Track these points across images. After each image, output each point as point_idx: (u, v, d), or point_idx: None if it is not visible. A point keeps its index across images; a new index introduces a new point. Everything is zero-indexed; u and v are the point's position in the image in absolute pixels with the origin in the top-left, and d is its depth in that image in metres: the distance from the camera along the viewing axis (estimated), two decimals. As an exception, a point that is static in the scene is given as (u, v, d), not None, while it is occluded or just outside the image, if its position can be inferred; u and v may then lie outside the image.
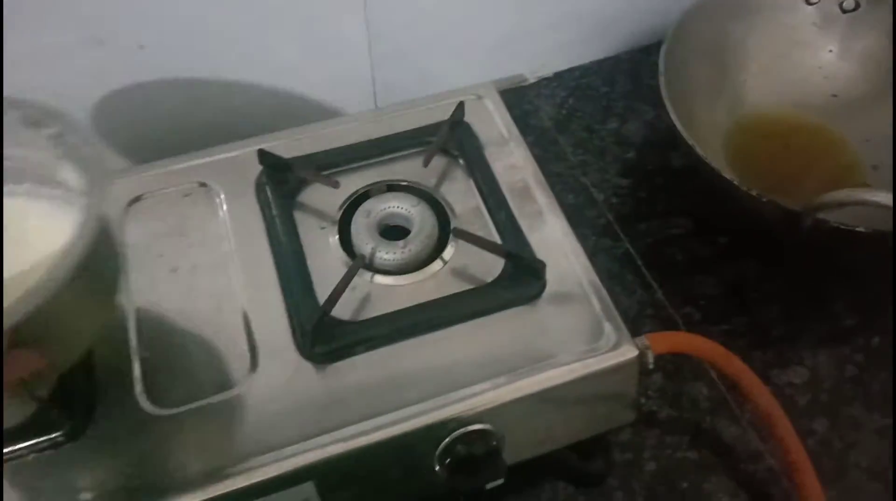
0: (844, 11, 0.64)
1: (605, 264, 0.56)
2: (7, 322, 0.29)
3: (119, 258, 0.41)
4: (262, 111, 0.58)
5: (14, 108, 0.38)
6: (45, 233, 0.39)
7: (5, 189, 0.39)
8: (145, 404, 0.39)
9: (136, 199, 0.48)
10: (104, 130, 0.55)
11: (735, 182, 0.50)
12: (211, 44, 0.54)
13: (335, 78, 0.60)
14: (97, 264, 0.36)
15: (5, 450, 0.37)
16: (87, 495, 0.36)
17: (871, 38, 0.64)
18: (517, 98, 0.67)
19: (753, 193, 0.49)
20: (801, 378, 0.51)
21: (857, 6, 0.63)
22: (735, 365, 0.44)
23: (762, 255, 0.57)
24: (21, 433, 0.37)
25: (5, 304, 0.30)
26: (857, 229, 0.47)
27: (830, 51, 0.65)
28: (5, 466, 0.37)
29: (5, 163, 0.39)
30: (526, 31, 0.64)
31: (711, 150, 0.52)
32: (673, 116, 0.53)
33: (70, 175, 0.38)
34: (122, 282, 0.43)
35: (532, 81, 0.69)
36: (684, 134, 0.53)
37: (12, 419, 0.38)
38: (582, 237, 0.46)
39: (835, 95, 0.65)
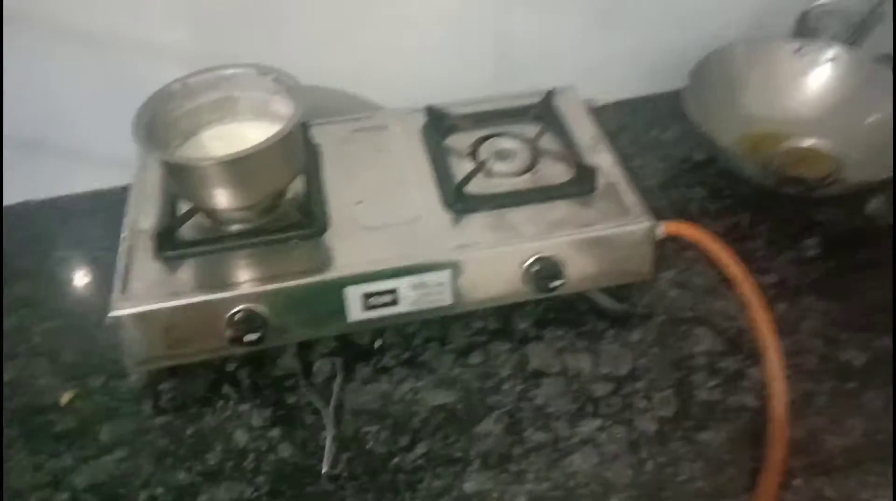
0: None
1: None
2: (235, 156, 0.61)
3: (302, 149, 0.71)
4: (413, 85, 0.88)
5: (251, 67, 0.70)
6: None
7: (238, 118, 0.71)
8: (356, 224, 0.68)
9: (358, 130, 0.80)
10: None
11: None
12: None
13: (469, 80, 0.90)
14: (291, 146, 0.67)
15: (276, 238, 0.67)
16: (318, 264, 0.65)
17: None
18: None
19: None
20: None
21: (835, 58, 0.90)
22: (727, 255, 0.67)
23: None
24: (290, 228, 0.67)
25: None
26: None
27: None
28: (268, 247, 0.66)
29: (242, 101, 0.71)
30: (600, 62, 0.94)
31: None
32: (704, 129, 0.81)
33: (279, 106, 0.69)
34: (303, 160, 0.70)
35: (599, 104, 0.98)
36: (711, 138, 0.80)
37: (281, 222, 0.68)
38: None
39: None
